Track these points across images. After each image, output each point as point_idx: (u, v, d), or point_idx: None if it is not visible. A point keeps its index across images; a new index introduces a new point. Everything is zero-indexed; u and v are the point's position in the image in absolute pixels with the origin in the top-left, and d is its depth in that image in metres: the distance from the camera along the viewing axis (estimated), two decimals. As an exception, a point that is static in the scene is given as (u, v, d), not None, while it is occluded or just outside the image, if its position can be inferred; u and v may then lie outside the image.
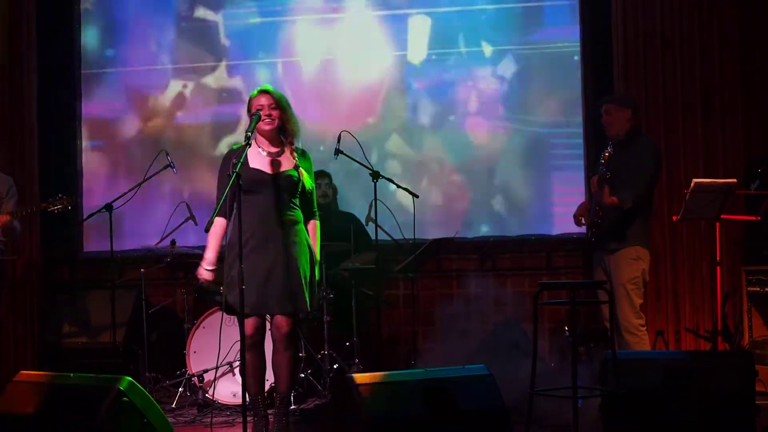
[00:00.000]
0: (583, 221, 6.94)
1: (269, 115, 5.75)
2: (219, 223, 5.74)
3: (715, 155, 7.73)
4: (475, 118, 8.49)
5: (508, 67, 8.42)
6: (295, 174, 5.79)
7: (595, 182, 6.56)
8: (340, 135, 6.86)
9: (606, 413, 5.45)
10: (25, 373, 5.46)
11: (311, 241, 5.87)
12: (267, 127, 5.78)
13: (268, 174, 5.75)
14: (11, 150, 8.23)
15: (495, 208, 8.39)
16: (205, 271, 5.85)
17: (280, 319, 5.74)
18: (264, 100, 5.77)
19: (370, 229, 7.40)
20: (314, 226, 5.97)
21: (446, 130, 8.50)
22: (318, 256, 5.91)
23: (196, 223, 7.68)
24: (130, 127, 8.82)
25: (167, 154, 7.26)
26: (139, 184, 7.22)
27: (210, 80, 8.75)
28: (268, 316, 5.86)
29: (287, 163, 5.81)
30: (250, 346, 5.72)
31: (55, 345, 8.04)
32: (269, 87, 5.87)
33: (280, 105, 5.80)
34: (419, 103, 8.53)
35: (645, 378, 5.38)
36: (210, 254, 5.84)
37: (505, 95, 8.43)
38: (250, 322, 5.66)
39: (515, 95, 8.42)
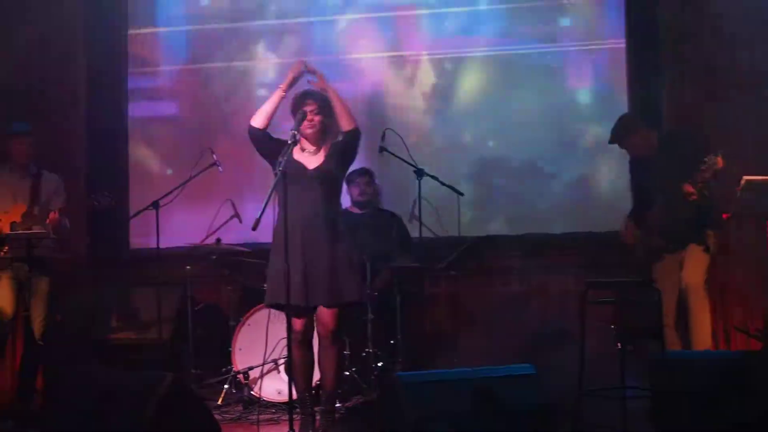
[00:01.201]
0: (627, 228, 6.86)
1: (311, 120, 5.81)
2: None
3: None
4: (517, 113, 8.45)
5: (551, 64, 8.38)
6: (329, 166, 5.84)
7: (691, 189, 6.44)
8: (384, 132, 6.89)
9: (656, 414, 5.40)
10: (76, 369, 5.52)
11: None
12: (309, 131, 5.86)
13: (308, 168, 5.82)
14: (60, 149, 8.30)
15: (540, 205, 8.34)
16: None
17: (325, 314, 5.77)
18: (308, 105, 5.81)
19: (414, 226, 7.39)
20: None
21: (490, 127, 8.46)
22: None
23: (240, 221, 7.71)
24: (177, 125, 8.87)
25: (212, 153, 7.30)
26: (185, 182, 7.27)
27: (258, 77, 8.77)
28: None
29: (322, 158, 5.87)
30: (299, 343, 5.76)
31: (102, 341, 8.10)
32: (313, 91, 5.90)
33: (323, 110, 5.84)
34: (463, 100, 8.49)
35: (696, 378, 5.33)
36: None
37: (549, 92, 8.38)
38: (298, 319, 5.68)
39: (559, 92, 8.36)
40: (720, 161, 5.99)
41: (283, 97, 5.89)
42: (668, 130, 7.05)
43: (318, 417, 5.87)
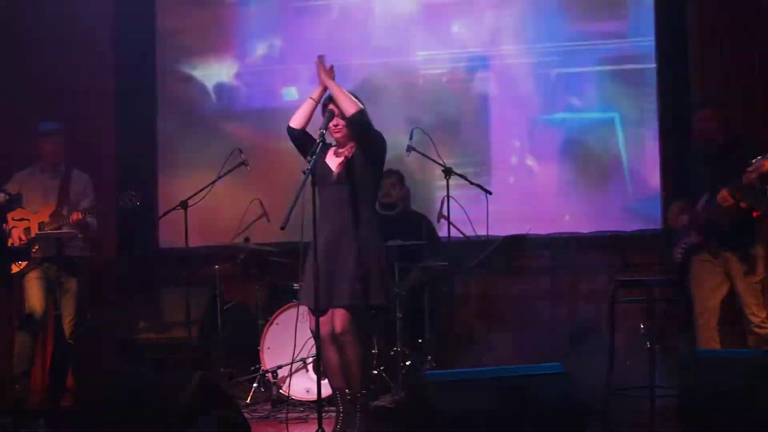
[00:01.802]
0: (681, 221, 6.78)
1: (336, 125, 5.81)
2: None
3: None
4: (544, 113, 8.43)
5: (583, 66, 8.35)
6: (352, 159, 5.84)
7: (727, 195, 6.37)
8: (412, 132, 6.88)
9: (684, 413, 5.37)
10: (107, 369, 5.56)
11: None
12: (337, 136, 5.86)
13: (334, 170, 5.82)
14: (89, 149, 8.34)
15: (568, 205, 8.31)
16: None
17: (336, 313, 5.74)
18: (336, 110, 5.82)
19: (443, 225, 7.37)
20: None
21: (518, 125, 8.45)
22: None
23: (269, 220, 7.72)
24: (207, 124, 8.90)
25: (241, 152, 7.32)
26: (214, 182, 7.29)
27: (289, 74, 8.80)
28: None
29: (350, 154, 5.87)
30: (328, 343, 5.76)
31: (131, 340, 8.13)
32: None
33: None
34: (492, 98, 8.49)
35: (725, 377, 5.29)
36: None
37: (579, 93, 8.35)
38: (325, 319, 5.68)
39: (589, 92, 8.33)
40: (766, 164, 5.90)
41: (315, 104, 5.88)
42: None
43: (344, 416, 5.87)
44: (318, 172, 5.65)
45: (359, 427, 5.76)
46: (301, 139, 5.86)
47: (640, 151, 8.21)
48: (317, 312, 5.43)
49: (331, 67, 5.86)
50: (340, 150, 5.89)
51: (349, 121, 5.76)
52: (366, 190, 5.87)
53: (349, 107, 5.73)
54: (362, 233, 5.77)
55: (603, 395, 5.42)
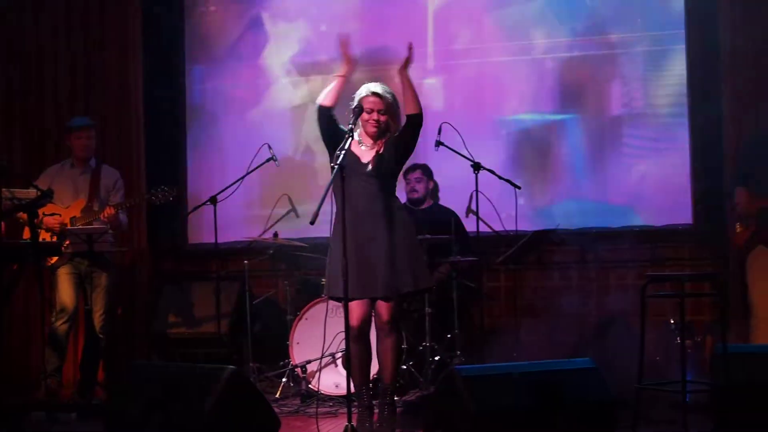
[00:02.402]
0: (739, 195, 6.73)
1: (377, 120, 5.82)
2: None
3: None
4: (574, 105, 8.39)
5: (611, 56, 8.32)
6: (384, 154, 5.84)
7: None
8: (440, 126, 6.87)
9: (716, 408, 5.35)
10: (138, 362, 5.59)
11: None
12: (372, 130, 5.85)
13: (364, 162, 5.82)
14: (119, 144, 8.39)
15: (597, 199, 8.27)
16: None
17: (380, 306, 5.78)
18: (374, 103, 5.81)
19: (471, 220, 7.37)
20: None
21: (549, 120, 8.43)
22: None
23: (297, 216, 7.74)
24: (235, 119, 8.93)
25: (270, 147, 7.34)
26: (243, 177, 7.31)
27: (321, 67, 8.81)
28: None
29: (377, 151, 5.88)
30: (356, 337, 5.77)
31: (162, 335, 8.16)
32: (379, 89, 5.85)
33: (390, 110, 5.84)
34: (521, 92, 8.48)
35: (757, 372, 5.26)
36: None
37: (608, 83, 8.31)
38: (355, 313, 5.68)
39: (621, 83, 8.29)
40: None
41: (344, 80, 5.85)
42: None
43: (376, 410, 5.87)
44: (347, 165, 5.65)
45: (388, 421, 5.77)
46: (328, 120, 5.84)
47: (670, 144, 8.15)
48: (347, 305, 5.42)
49: (408, 59, 5.84)
50: (369, 142, 5.88)
51: (408, 119, 5.80)
52: (394, 182, 5.94)
53: (415, 106, 5.79)
54: (396, 222, 5.80)
55: (634, 390, 5.38)
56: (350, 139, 5.54)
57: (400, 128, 5.86)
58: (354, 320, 5.66)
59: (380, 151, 5.84)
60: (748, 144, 7.04)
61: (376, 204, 5.79)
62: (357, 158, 5.83)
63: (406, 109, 5.80)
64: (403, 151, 5.92)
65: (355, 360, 5.79)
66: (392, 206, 5.84)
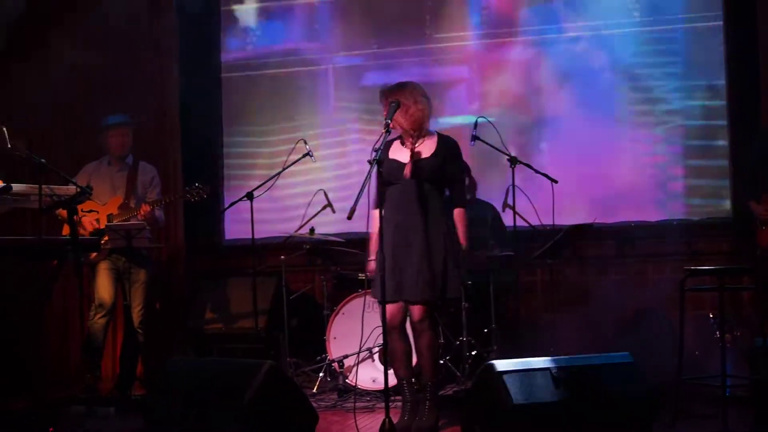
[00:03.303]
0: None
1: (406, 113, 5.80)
2: (375, 215, 5.82)
3: None
4: (609, 99, 8.35)
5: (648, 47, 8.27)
6: (433, 161, 5.80)
7: None
8: (476, 121, 6.85)
9: (756, 402, 5.31)
10: (176, 358, 5.62)
11: (457, 228, 5.84)
12: (393, 123, 5.79)
13: (405, 163, 5.79)
14: (156, 141, 8.43)
15: (633, 193, 8.22)
16: (371, 263, 5.93)
17: (413, 307, 5.79)
18: (398, 95, 5.81)
19: (508, 215, 7.34)
20: (459, 213, 5.90)
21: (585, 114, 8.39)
22: (464, 243, 5.85)
23: (333, 211, 7.75)
24: (270, 116, 8.95)
25: (306, 143, 7.36)
26: (279, 173, 7.33)
27: (351, 67, 8.83)
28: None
29: (426, 151, 5.83)
30: (392, 333, 5.77)
31: (199, 330, 8.21)
32: (399, 82, 5.90)
33: (413, 99, 5.83)
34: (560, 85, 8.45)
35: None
36: (371, 246, 5.90)
37: (644, 76, 8.26)
38: (389, 311, 5.68)
39: (655, 75, 8.24)
40: None
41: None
42: None
43: (413, 405, 5.88)
44: (386, 167, 5.68)
45: (428, 416, 5.77)
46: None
47: (709, 138, 8.09)
48: (384, 303, 5.44)
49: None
50: (409, 141, 5.88)
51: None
52: (437, 185, 5.86)
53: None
54: (433, 228, 5.77)
55: (673, 384, 5.36)
56: (386, 134, 5.54)
57: (422, 120, 5.85)
58: (388, 317, 5.67)
59: (421, 156, 5.82)
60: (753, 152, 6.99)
61: (413, 207, 5.77)
62: (395, 160, 5.84)
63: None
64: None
65: (393, 355, 5.81)
66: (431, 208, 5.81)
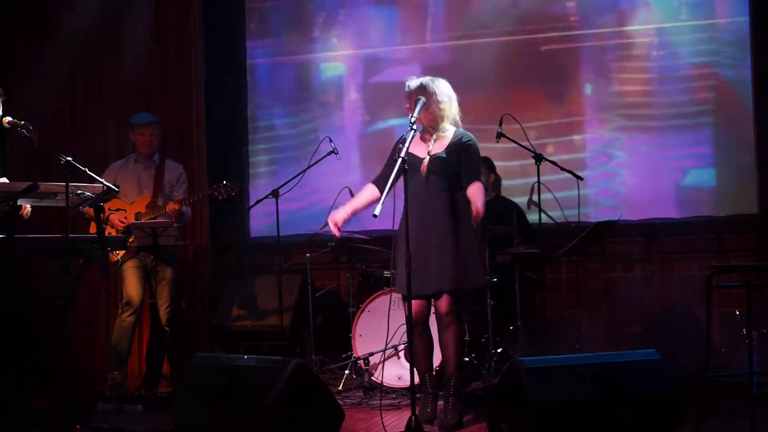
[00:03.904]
0: None
1: (408, 108, 5.85)
2: (369, 188, 6.01)
3: None
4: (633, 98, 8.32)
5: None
6: (446, 156, 5.84)
7: None
8: (501, 118, 6.84)
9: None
10: (202, 355, 5.64)
11: (475, 201, 5.78)
12: (422, 117, 5.84)
13: (421, 158, 5.86)
14: (181, 138, 8.47)
15: (659, 190, 8.19)
16: (336, 212, 6.08)
17: (439, 299, 5.82)
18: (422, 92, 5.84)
19: (533, 212, 7.33)
20: (475, 185, 5.84)
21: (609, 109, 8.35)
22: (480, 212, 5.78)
23: (359, 208, 7.74)
24: (296, 113, 8.96)
25: (331, 140, 7.36)
26: (304, 170, 7.34)
27: (376, 65, 8.83)
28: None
29: (439, 148, 5.89)
30: (415, 328, 5.84)
31: (224, 327, 8.24)
32: (422, 80, 5.92)
33: (435, 97, 5.85)
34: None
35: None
36: (347, 205, 6.12)
37: (671, 69, 8.23)
38: (413, 307, 5.73)
39: (684, 70, 8.21)
40: None
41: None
42: None
43: (440, 401, 5.89)
44: (408, 162, 5.67)
45: (452, 413, 5.78)
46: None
47: (734, 133, 8.05)
48: (409, 298, 5.45)
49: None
50: (428, 135, 5.90)
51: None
52: (451, 179, 5.91)
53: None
54: (457, 219, 5.82)
55: (700, 382, 5.33)
56: (413, 132, 5.55)
57: (444, 117, 5.88)
58: (412, 311, 5.73)
59: (432, 150, 5.87)
60: None
61: (437, 200, 5.83)
62: (415, 156, 5.88)
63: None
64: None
65: (416, 349, 5.86)
66: (455, 200, 5.85)
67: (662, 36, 8.23)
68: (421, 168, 5.84)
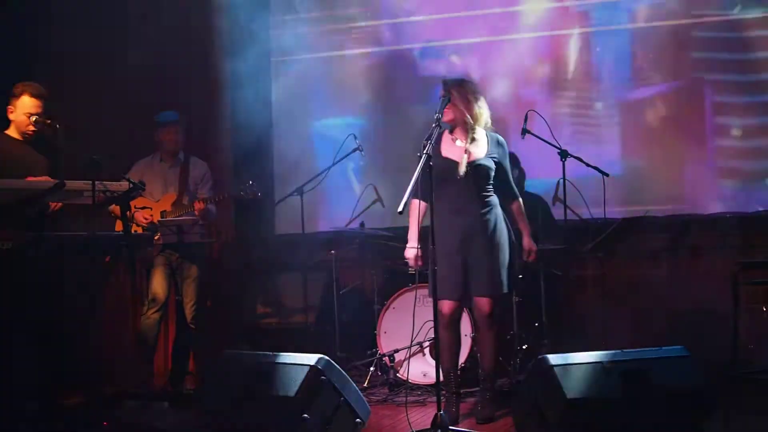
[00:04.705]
0: None
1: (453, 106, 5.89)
2: (414, 204, 5.89)
3: None
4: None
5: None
6: (487, 163, 5.86)
7: None
8: (527, 114, 6.82)
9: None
10: (229, 352, 5.65)
11: (518, 220, 6.03)
12: (444, 119, 5.83)
13: (459, 164, 5.84)
14: (206, 136, 8.48)
15: (686, 186, 8.14)
16: (409, 249, 6.03)
17: (481, 300, 5.88)
18: (451, 90, 5.88)
19: (559, 208, 7.30)
20: (517, 205, 6.10)
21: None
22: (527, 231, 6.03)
23: (383, 206, 7.76)
24: (322, 111, 8.96)
25: (355, 138, 7.36)
26: (329, 168, 7.34)
27: (406, 61, 8.83)
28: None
29: (479, 152, 5.89)
30: (447, 325, 5.91)
31: (250, 325, 8.26)
32: (447, 80, 5.96)
33: (462, 97, 5.84)
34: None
35: None
36: (411, 234, 6.03)
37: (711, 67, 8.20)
38: (447, 303, 5.83)
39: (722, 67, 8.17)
40: None
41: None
42: None
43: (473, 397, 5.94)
44: (438, 164, 5.73)
45: (488, 407, 5.84)
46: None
47: (763, 130, 8.00)
48: (435, 294, 5.45)
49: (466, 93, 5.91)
50: (459, 138, 5.91)
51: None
52: (490, 182, 5.97)
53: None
54: (491, 223, 5.90)
55: (728, 378, 5.30)
56: (438, 129, 5.54)
57: (479, 119, 5.88)
58: (446, 309, 5.86)
59: (470, 153, 5.87)
60: None
61: (471, 202, 5.88)
62: (449, 159, 5.90)
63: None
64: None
65: (443, 346, 5.90)
66: (488, 207, 5.91)
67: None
68: (459, 171, 5.83)
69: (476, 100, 5.90)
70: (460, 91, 5.86)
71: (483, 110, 5.93)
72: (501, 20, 8.52)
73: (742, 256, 7.59)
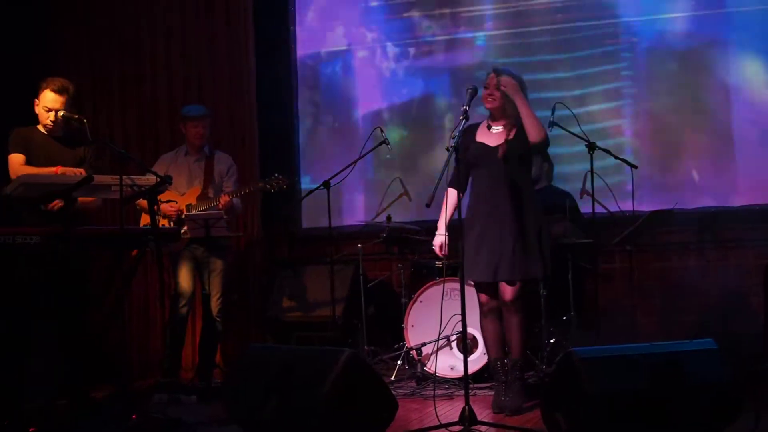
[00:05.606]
0: None
1: (491, 95, 5.94)
2: (448, 193, 5.94)
3: None
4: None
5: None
6: (517, 143, 5.88)
7: None
8: (554, 106, 6.79)
9: None
10: (255, 345, 5.66)
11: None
12: (488, 106, 5.99)
13: (492, 147, 5.90)
14: (232, 130, 8.50)
15: (714, 178, 8.08)
16: (437, 237, 6.10)
17: (504, 286, 5.92)
18: (489, 79, 5.96)
19: (586, 201, 7.26)
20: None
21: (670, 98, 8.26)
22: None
23: (410, 199, 7.74)
24: (347, 105, 8.95)
25: (382, 131, 7.35)
26: (355, 161, 7.32)
27: (431, 57, 8.80)
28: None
29: (512, 134, 5.94)
30: (486, 313, 6.04)
31: (276, 319, 8.26)
32: (498, 68, 5.99)
33: (511, 86, 5.89)
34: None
35: None
36: (440, 222, 6.10)
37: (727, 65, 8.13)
38: (482, 293, 5.98)
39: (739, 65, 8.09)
40: None
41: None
42: None
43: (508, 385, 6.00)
44: (472, 151, 5.82)
45: (517, 396, 5.88)
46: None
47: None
48: (462, 285, 5.43)
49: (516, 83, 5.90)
50: (496, 125, 5.93)
51: (531, 144, 5.85)
52: (525, 166, 6.03)
53: (537, 133, 5.82)
54: (524, 208, 5.92)
55: (758, 372, 5.26)
56: (464, 122, 5.53)
57: (529, 140, 5.87)
58: (483, 298, 6.01)
59: (510, 137, 5.91)
60: None
61: (503, 191, 5.91)
62: (483, 144, 5.95)
63: (528, 136, 5.83)
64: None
65: (487, 334, 6.08)
66: (522, 192, 5.94)
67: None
68: (498, 157, 5.88)
69: (523, 90, 5.94)
70: (510, 81, 5.90)
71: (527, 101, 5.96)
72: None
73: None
